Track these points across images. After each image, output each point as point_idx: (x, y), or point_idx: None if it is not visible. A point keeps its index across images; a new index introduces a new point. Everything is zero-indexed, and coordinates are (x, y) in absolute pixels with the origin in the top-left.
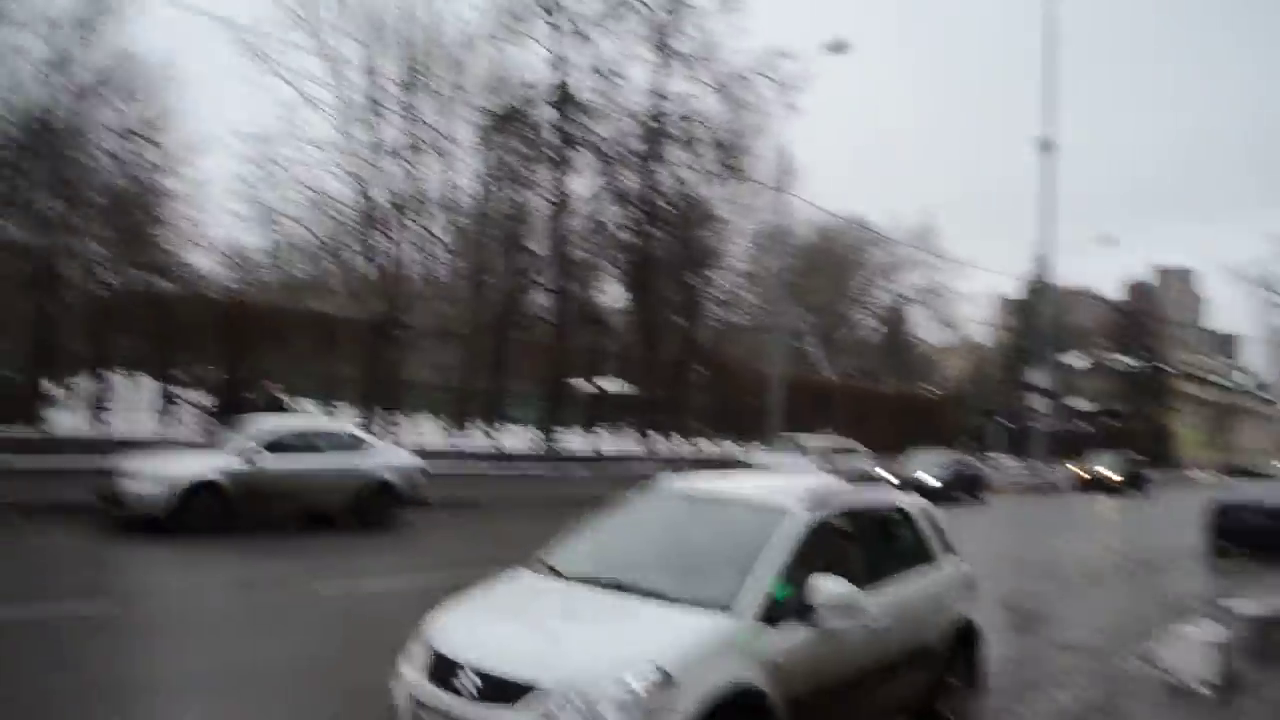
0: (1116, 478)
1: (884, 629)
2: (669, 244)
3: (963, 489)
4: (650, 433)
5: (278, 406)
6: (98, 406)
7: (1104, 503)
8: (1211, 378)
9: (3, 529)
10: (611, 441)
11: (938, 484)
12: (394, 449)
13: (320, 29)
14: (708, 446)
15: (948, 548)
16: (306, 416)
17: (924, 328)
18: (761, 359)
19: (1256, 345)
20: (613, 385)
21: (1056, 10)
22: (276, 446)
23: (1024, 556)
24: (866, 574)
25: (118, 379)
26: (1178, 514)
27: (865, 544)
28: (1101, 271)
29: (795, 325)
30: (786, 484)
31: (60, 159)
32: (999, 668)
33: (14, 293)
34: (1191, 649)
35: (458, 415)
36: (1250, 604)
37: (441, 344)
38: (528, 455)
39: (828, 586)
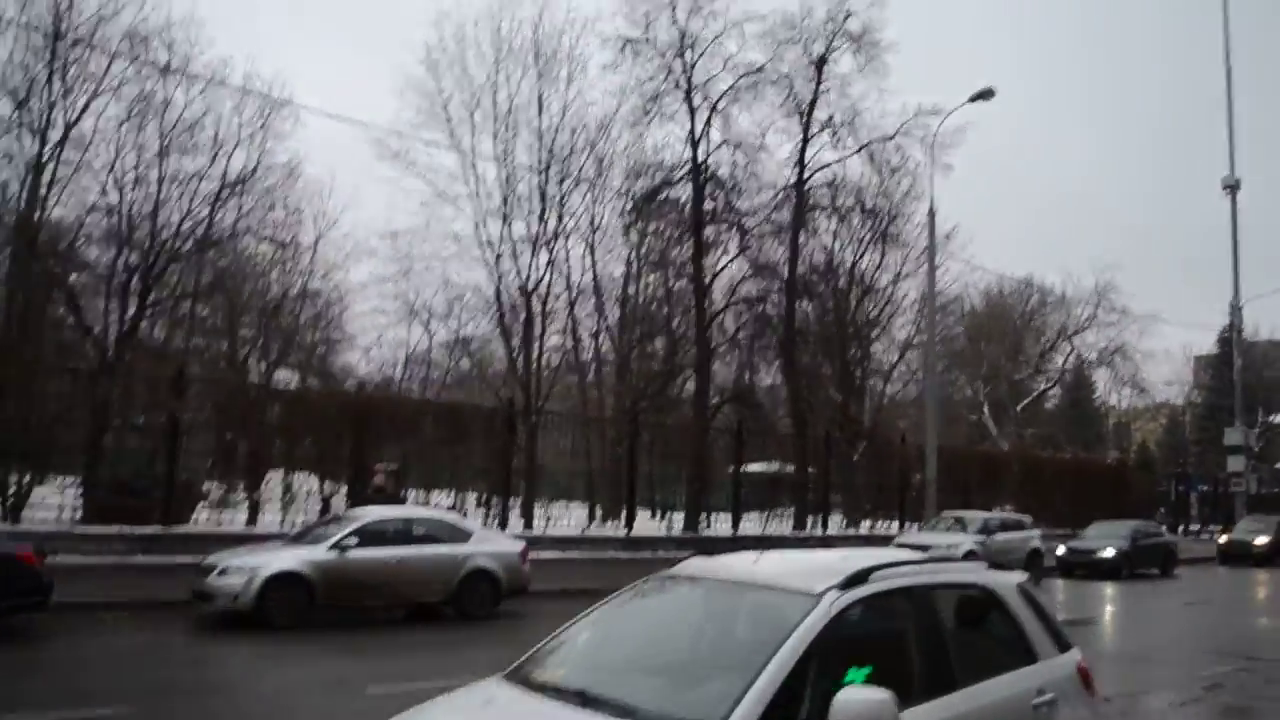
0: (1260, 543)
1: None
2: (820, 317)
3: (1149, 562)
4: (803, 515)
5: (394, 498)
6: (254, 504)
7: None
8: None
9: (85, 627)
10: (760, 525)
11: (1110, 555)
12: (497, 535)
13: (456, 126)
14: (865, 527)
15: (1058, 640)
16: (406, 507)
17: (1110, 391)
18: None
19: None
20: (764, 466)
21: (1232, 43)
22: (369, 536)
23: (1211, 636)
24: (929, 677)
25: (279, 476)
26: None
27: (929, 637)
28: None
29: (961, 394)
30: (830, 559)
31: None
32: None
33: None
34: None
35: (597, 502)
36: None
37: (580, 429)
38: (662, 539)
39: (854, 698)
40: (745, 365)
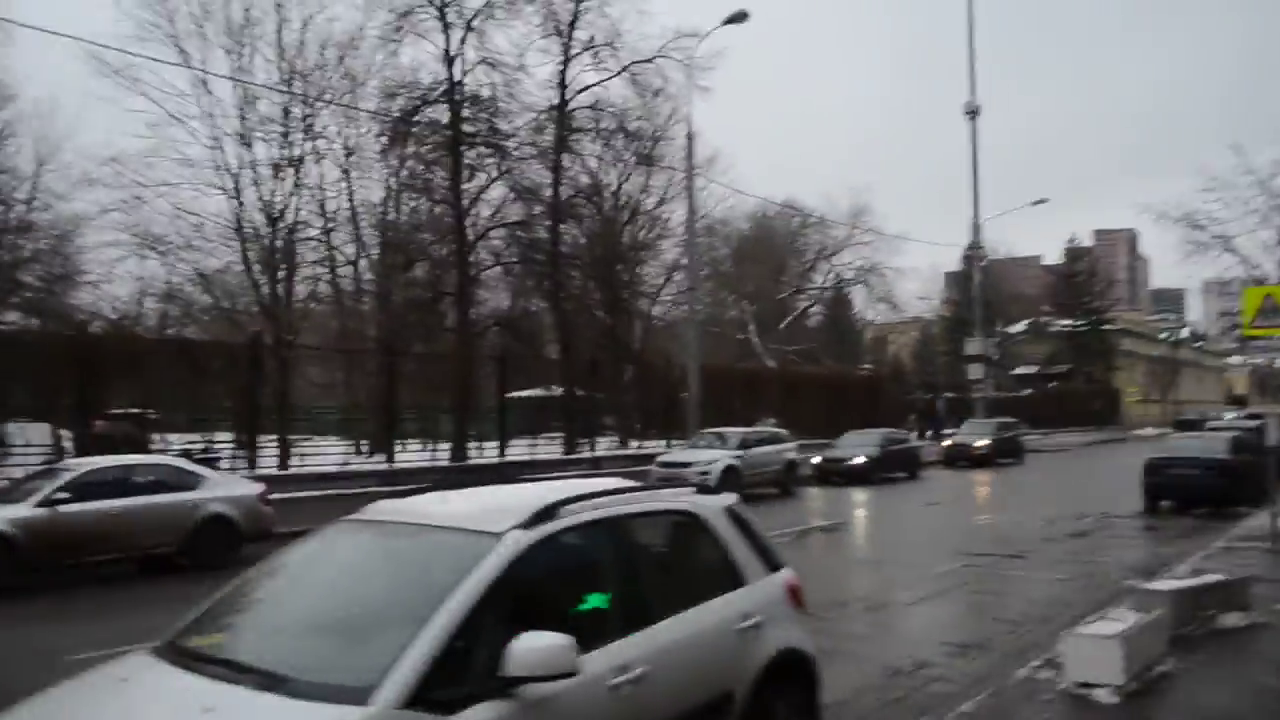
0: (979, 445)
1: (643, 688)
2: (586, 240)
3: (897, 467)
4: (573, 438)
5: (137, 444)
6: None
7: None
8: (1153, 334)
9: None
10: (530, 450)
11: (861, 462)
12: (232, 479)
13: (183, 39)
14: (635, 447)
15: (768, 561)
16: (126, 456)
17: (867, 307)
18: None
19: (1195, 297)
20: (539, 391)
21: None
22: (83, 489)
23: (943, 535)
24: (625, 613)
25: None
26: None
27: (625, 571)
28: (1048, 239)
29: (728, 315)
30: (525, 495)
31: None
32: (882, 680)
33: None
34: (1097, 647)
35: (362, 437)
36: (1170, 580)
37: (336, 362)
38: (425, 469)
39: (530, 646)
40: (513, 291)
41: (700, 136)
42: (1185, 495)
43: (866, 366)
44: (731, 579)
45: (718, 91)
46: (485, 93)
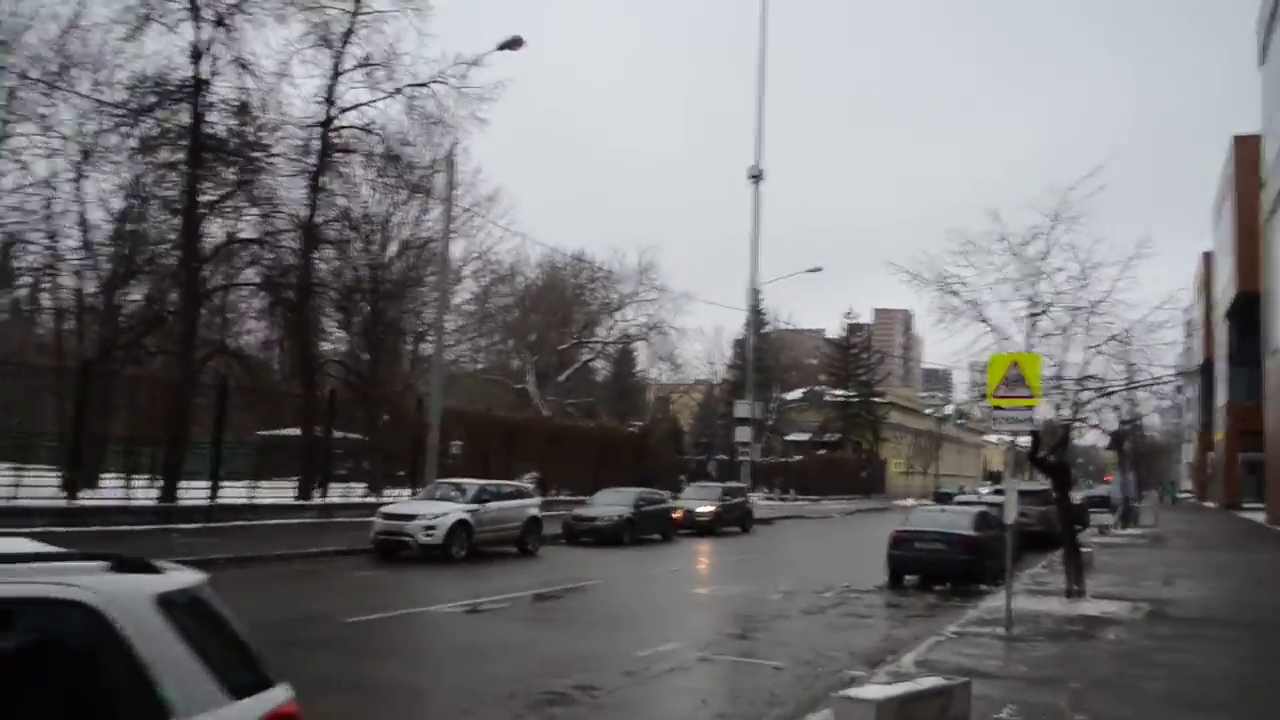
0: (703, 512)
1: None
2: (345, 270)
3: (652, 528)
4: (310, 482)
5: None
6: None
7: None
8: (920, 408)
9: None
10: (250, 494)
11: (611, 521)
12: None
13: None
14: (383, 496)
15: (239, 678)
16: None
17: (651, 366)
18: (470, 398)
19: (963, 375)
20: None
21: (767, 45)
22: None
23: (670, 608)
24: None
25: None
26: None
27: None
28: (835, 313)
29: (510, 363)
30: None
31: None
32: None
33: None
34: None
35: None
36: (880, 687)
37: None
38: (117, 509)
39: None
40: (258, 316)
41: (480, 173)
42: (929, 570)
43: (637, 423)
44: (148, 713)
45: (511, 133)
46: (241, 99)
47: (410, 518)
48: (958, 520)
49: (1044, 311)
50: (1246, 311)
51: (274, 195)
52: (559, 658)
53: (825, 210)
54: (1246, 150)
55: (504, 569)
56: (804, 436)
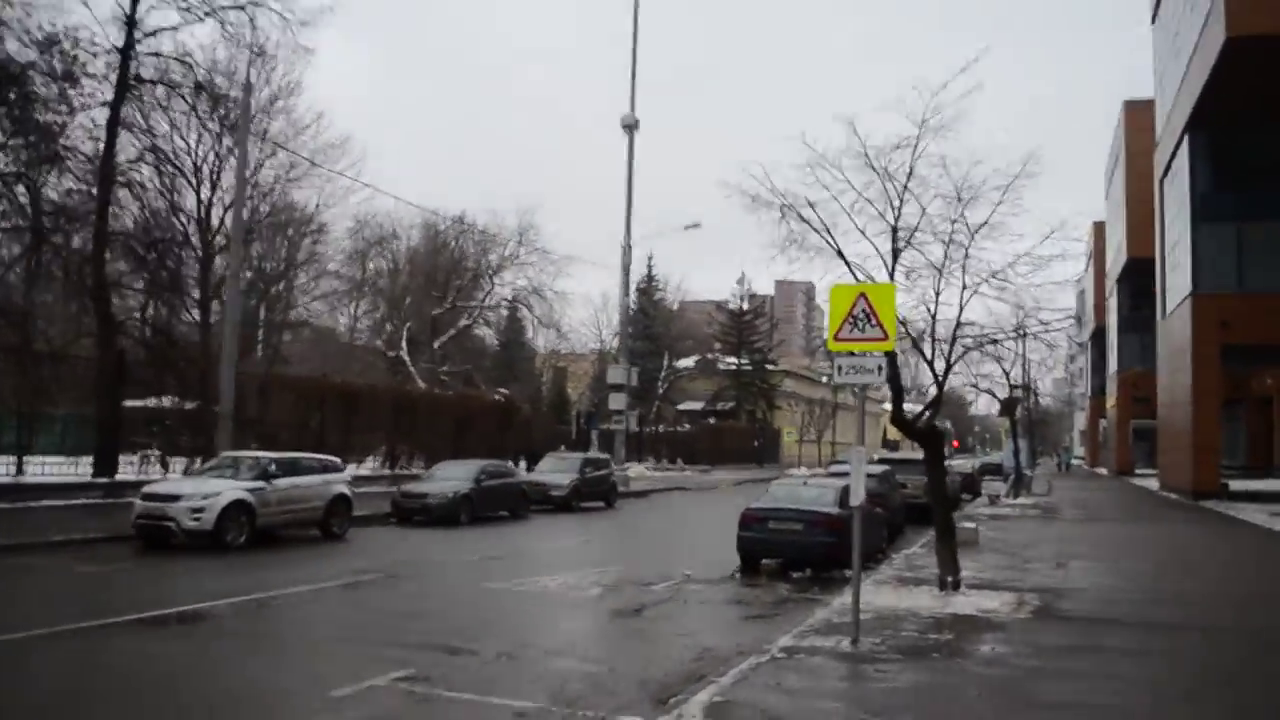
0: (558, 486)
1: None
2: (156, 215)
3: (497, 504)
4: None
5: None
6: None
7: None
8: (816, 376)
9: None
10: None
11: (443, 500)
12: None
13: None
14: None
15: None
16: None
17: (538, 334)
18: (342, 367)
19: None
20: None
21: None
22: None
23: (442, 610)
24: None
25: None
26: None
27: None
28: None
29: (383, 329)
30: None
31: None
32: None
33: None
34: None
35: None
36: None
37: None
38: None
39: None
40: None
41: (323, 118)
42: (784, 555)
43: (502, 391)
44: None
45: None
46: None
47: (174, 498)
48: (821, 496)
49: (909, 242)
50: (1137, 277)
51: (51, 126)
52: (227, 697)
53: (727, 166)
54: (1137, 116)
55: (287, 559)
56: (697, 406)
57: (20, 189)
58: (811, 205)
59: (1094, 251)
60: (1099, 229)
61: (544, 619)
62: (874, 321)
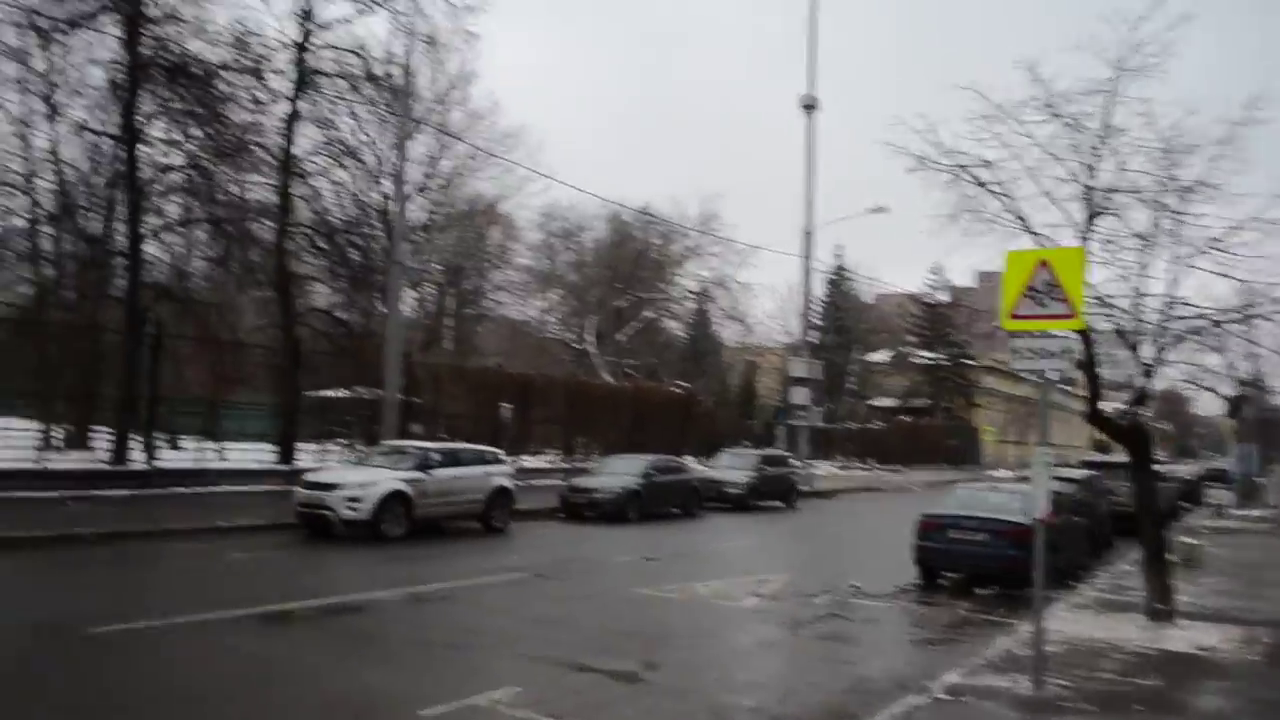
0: (734, 484)
1: None
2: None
3: (668, 501)
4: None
5: None
6: None
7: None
8: (1021, 375)
9: None
10: (214, 455)
11: (613, 495)
12: None
13: None
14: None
15: None
16: None
17: (721, 326)
18: (532, 359)
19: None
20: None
21: None
22: None
23: (590, 617)
24: None
25: None
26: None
27: None
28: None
29: (572, 324)
30: None
31: None
32: None
33: None
34: None
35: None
36: None
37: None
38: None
39: None
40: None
41: (501, 106)
42: (966, 568)
43: (681, 384)
44: None
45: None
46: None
47: (332, 487)
48: (1010, 502)
49: (1105, 207)
50: None
51: (237, 122)
52: (310, 705)
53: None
54: None
55: (440, 552)
56: (890, 402)
57: (205, 183)
58: (988, 165)
59: None
60: None
61: (681, 633)
62: (1058, 294)
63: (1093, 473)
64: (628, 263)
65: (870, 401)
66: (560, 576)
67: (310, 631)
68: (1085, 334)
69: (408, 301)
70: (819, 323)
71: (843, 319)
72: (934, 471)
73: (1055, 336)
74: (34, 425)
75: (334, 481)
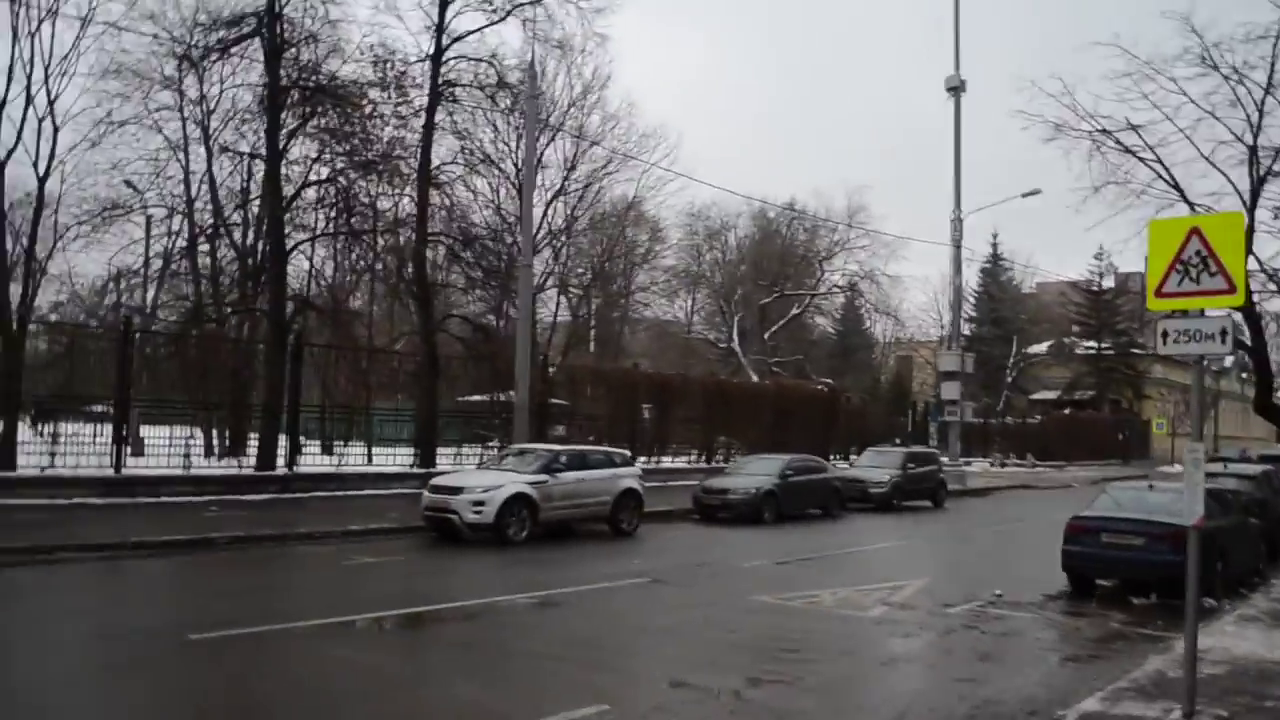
0: (877, 484)
1: None
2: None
3: (807, 502)
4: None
5: None
6: None
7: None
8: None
9: None
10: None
11: (749, 495)
12: None
13: None
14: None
15: None
16: None
17: (873, 321)
18: (678, 359)
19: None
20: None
21: None
22: None
23: (711, 625)
24: None
25: None
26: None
27: None
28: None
29: (714, 322)
30: None
31: None
32: None
33: None
34: None
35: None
36: None
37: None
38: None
39: None
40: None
41: (638, 107)
42: (1121, 575)
43: (825, 381)
44: None
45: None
46: (327, 33)
47: (457, 490)
48: (1171, 503)
49: (1272, 168)
50: None
51: (377, 136)
52: (396, 712)
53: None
54: None
55: (564, 556)
56: (1052, 395)
57: (345, 196)
58: (1135, 129)
59: None
60: None
61: (795, 647)
62: (1214, 268)
63: (1270, 467)
64: (773, 259)
65: (1031, 395)
66: (681, 582)
67: (412, 639)
68: (1252, 313)
69: (549, 305)
70: (973, 314)
71: (999, 309)
72: (1098, 467)
73: (1209, 316)
74: (189, 432)
75: (459, 485)
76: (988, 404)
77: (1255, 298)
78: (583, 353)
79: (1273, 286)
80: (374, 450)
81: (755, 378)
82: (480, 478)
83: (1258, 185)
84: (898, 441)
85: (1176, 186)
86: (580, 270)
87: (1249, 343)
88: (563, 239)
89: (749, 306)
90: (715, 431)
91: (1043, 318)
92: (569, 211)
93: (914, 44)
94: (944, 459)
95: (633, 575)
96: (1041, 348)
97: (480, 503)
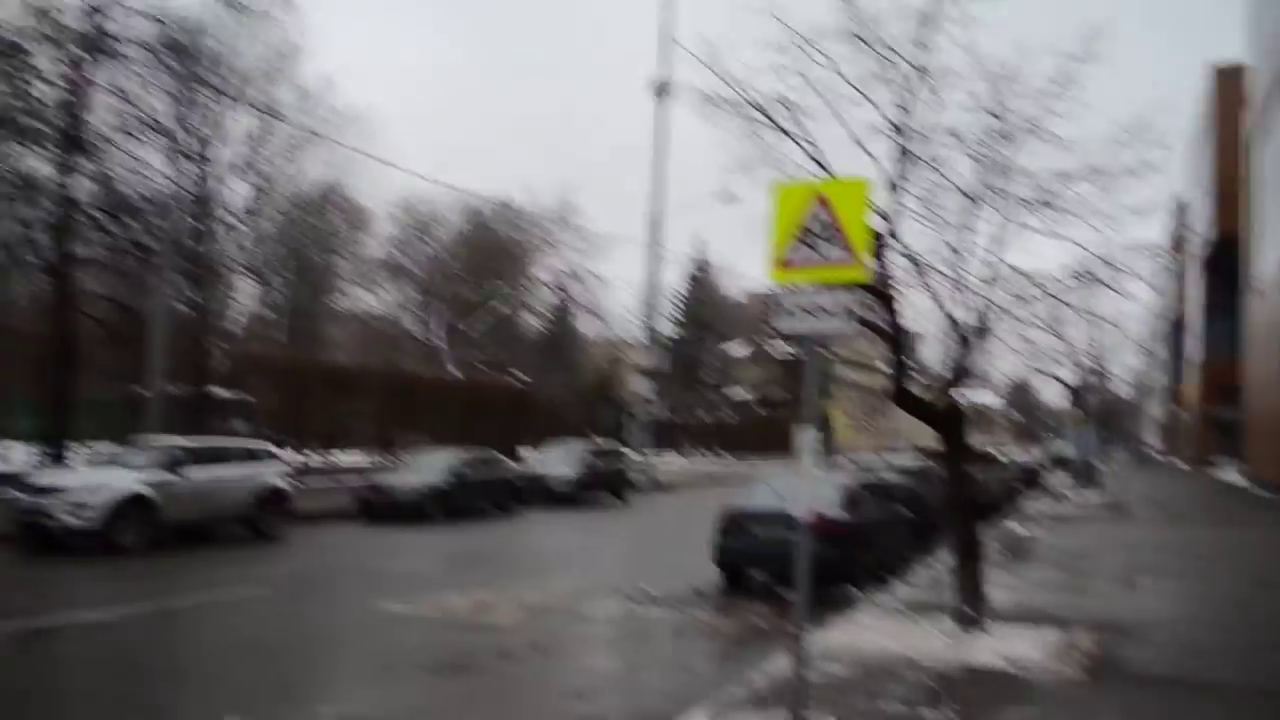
0: (560, 478)
1: None
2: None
3: (483, 497)
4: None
5: None
6: None
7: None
8: (873, 364)
9: None
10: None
11: (415, 494)
12: None
13: None
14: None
15: None
16: None
17: (580, 321)
18: (383, 355)
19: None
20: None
21: None
22: None
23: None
24: None
25: None
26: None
27: None
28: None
29: (420, 318)
30: None
31: None
32: None
33: None
34: None
35: None
36: None
37: None
38: None
39: None
40: None
41: (336, 87)
42: (771, 567)
43: (517, 376)
44: None
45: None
46: None
47: (54, 491)
48: (823, 494)
49: (921, 156)
50: (1223, 256)
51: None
52: None
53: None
54: (1228, 84)
55: (180, 565)
56: (751, 396)
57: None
58: (787, 106)
59: (1174, 236)
60: (1181, 210)
61: (388, 664)
62: (838, 238)
63: (932, 463)
64: (483, 255)
65: (731, 395)
66: (304, 592)
67: None
68: (886, 296)
69: (247, 291)
70: (675, 316)
71: (702, 313)
72: (785, 463)
73: (831, 291)
74: None
75: (58, 485)
76: (686, 402)
77: (901, 287)
78: (270, 343)
79: (912, 265)
80: None
81: (456, 373)
82: (86, 476)
83: (903, 165)
84: (596, 438)
85: (825, 168)
86: (271, 257)
87: (883, 325)
88: (252, 220)
89: (456, 303)
90: (399, 427)
91: (753, 324)
92: (257, 192)
93: (644, 43)
94: (634, 455)
95: (252, 584)
96: (738, 350)
97: (82, 504)
